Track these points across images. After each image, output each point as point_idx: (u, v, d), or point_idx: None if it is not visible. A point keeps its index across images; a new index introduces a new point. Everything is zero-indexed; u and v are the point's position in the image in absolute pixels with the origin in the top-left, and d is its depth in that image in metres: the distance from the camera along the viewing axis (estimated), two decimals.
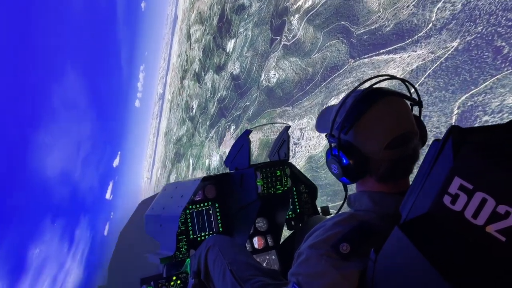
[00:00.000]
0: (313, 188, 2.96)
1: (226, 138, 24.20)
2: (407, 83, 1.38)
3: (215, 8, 29.26)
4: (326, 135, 1.41)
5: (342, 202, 1.55)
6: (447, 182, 0.85)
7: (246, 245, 2.70)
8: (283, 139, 2.84)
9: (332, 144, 1.36)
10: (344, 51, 12.68)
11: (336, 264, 1.14)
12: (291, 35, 16.46)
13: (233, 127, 23.18)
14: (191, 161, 34.47)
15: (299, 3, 15.94)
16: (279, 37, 17.68)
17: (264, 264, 2.70)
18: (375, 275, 1.04)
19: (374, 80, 1.29)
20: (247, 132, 2.69)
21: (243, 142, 2.71)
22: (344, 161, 1.29)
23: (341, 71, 12.71)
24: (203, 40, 32.30)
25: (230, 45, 25.20)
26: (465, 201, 0.81)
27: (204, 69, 31.30)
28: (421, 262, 0.85)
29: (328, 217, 2.69)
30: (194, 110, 34.23)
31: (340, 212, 1.35)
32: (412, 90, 1.35)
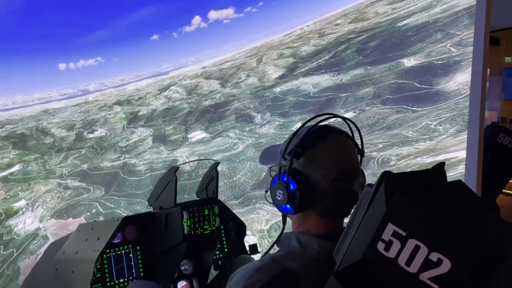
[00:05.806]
0: (241, 226, 2.90)
1: None
2: (355, 128, 1.37)
3: None
4: (269, 168, 1.40)
5: (275, 240, 1.52)
6: (380, 228, 0.85)
7: None
8: (212, 176, 2.76)
9: (282, 169, 1.32)
10: None
11: None
12: None
13: None
14: None
15: None
16: None
17: None
18: None
19: (323, 117, 1.32)
20: (174, 169, 2.57)
21: (169, 179, 2.57)
22: (292, 186, 1.26)
23: None
24: None
25: None
26: (399, 248, 0.81)
27: None
28: None
29: (255, 256, 2.63)
30: None
31: (262, 257, 1.31)
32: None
